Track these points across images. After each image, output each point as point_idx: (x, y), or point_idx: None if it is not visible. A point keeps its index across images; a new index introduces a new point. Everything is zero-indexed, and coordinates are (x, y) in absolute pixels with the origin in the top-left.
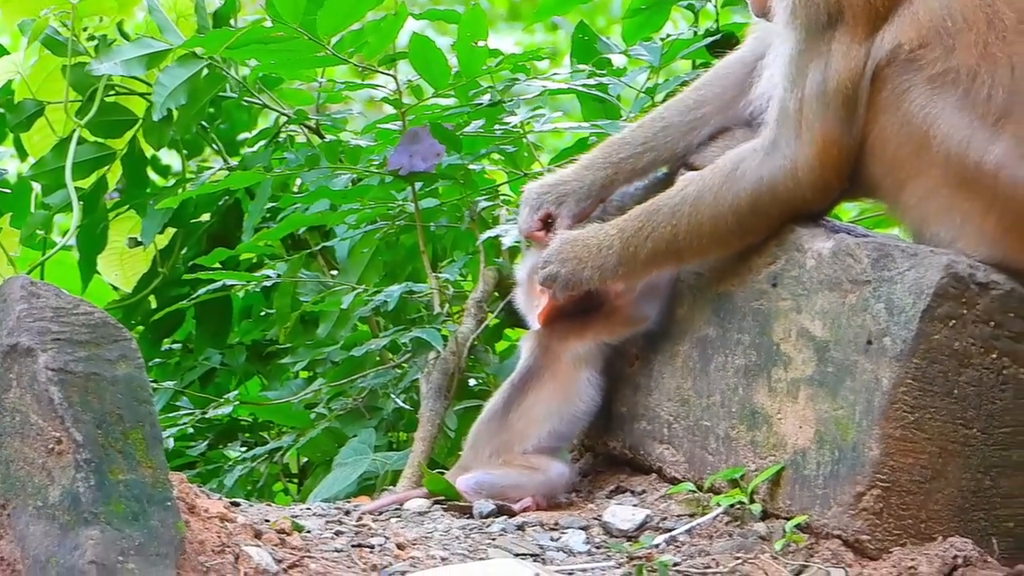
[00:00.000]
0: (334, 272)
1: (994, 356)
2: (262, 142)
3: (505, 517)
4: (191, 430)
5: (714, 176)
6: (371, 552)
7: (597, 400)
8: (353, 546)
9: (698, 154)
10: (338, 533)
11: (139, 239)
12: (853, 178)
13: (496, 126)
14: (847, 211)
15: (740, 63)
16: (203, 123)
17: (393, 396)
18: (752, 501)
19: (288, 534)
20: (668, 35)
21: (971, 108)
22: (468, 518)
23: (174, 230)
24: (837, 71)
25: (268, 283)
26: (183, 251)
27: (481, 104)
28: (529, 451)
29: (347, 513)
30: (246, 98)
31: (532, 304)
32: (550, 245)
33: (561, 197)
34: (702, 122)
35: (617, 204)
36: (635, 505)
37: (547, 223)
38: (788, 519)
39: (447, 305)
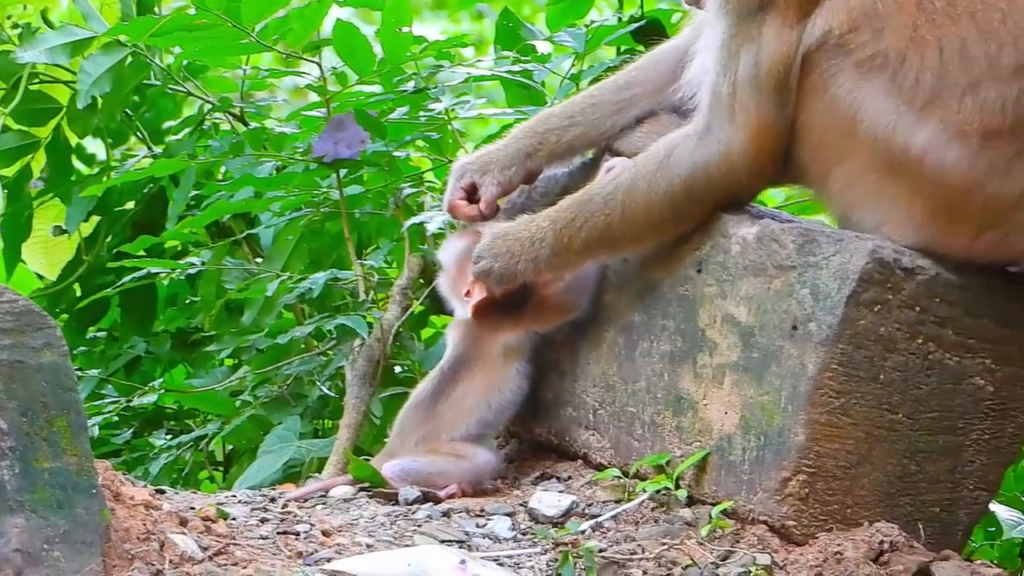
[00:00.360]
0: (259, 259)
1: (919, 341)
2: (186, 130)
3: (431, 504)
4: (116, 418)
5: (647, 163)
6: (296, 539)
7: (525, 390)
8: (279, 533)
9: (623, 138)
10: (263, 520)
11: (64, 227)
12: (782, 163)
13: (421, 113)
14: (773, 198)
15: (674, 51)
16: (128, 111)
17: (318, 383)
18: (678, 487)
19: (213, 521)
20: (593, 22)
21: (898, 92)
22: (394, 505)
23: (99, 218)
24: (769, 55)
25: (193, 271)
26: (108, 239)
27: (406, 91)
28: (456, 439)
29: (272, 500)
30: (170, 86)
31: (459, 292)
32: (481, 240)
33: (485, 167)
34: (631, 103)
35: (542, 190)
36: (561, 491)
37: (471, 194)
38: (714, 505)
39: (372, 292)
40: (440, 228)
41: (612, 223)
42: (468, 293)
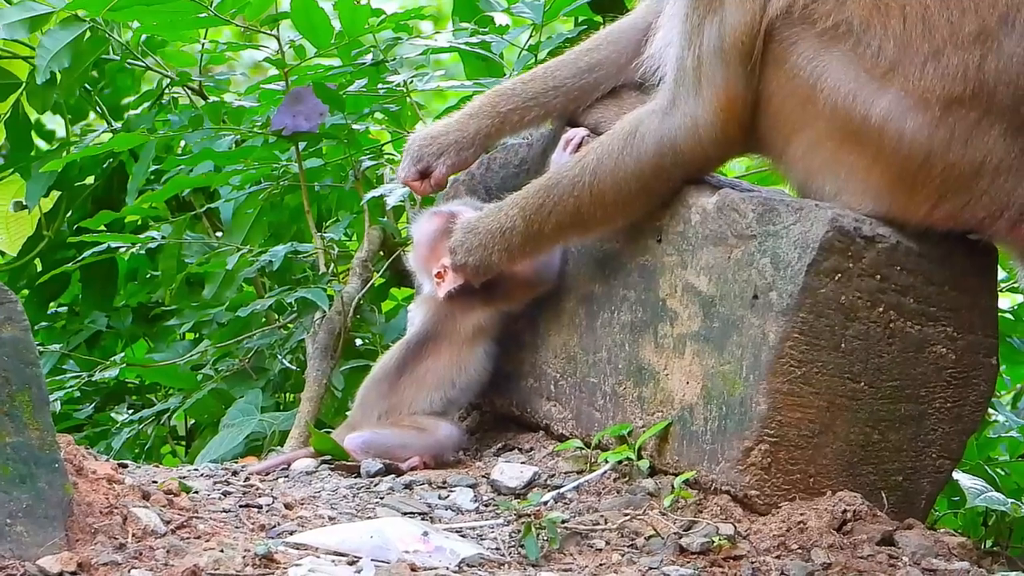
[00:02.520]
0: (219, 233)
1: (880, 310)
2: (146, 104)
3: (393, 476)
4: (78, 393)
5: (612, 143)
6: (259, 512)
7: (490, 369)
8: (241, 506)
9: (583, 115)
10: (226, 494)
11: (24, 203)
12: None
13: (379, 85)
14: (731, 170)
15: (633, 28)
16: (86, 86)
17: (279, 357)
18: (640, 457)
19: (176, 495)
20: None
21: (859, 61)
22: (356, 477)
23: (59, 193)
24: (732, 26)
25: (153, 245)
26: (68, 214)
27: (364, 64)
28: (417, 413)
29: (235, 474)
30: (129, 61)
31: (429, 270)
32: (453, 235)
33: (442, 148)
34: (594, 85)
35: (501, 161)
36: (523, 463)
37: (425, 174)
38: (676, 475)
39: (332, 265)
40: (400, 201)
41: (581, 206)
42: (440, 275)
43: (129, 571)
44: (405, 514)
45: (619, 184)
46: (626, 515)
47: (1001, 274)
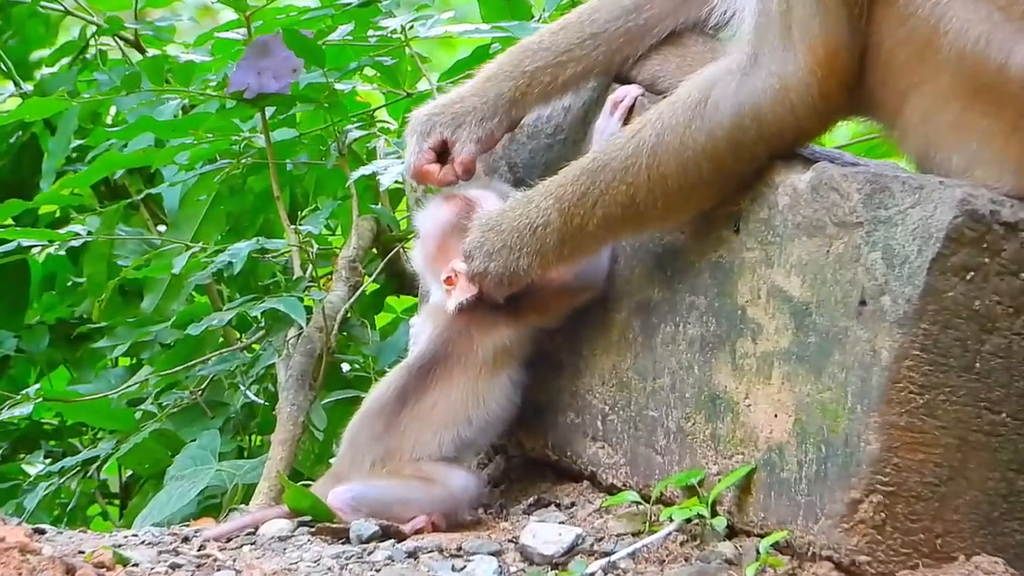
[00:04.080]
0: (162, 228)
1: None
2: (65, 60)
3: (392, 541)
4: None
5: (675, 113)
6: None
7: (517, 402)
8: None
9: (635, 68)
10: (174, 567)
11: None
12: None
13: (370, 33)
14: (831, 139)
15: None
16: None
17: (242, 387)
18: (714, 514)
19: (109, 569)
20: None
21: None
22: (344, 543)
23: None
24: None
25: (76, 243)
26: None
27: (349, 5)
28: (423, 458)
29: (186, 540)
30: (42, 3)
31: (438, 273)
32: (470, 233)
33: (458, 118)
34: (644, 29)
35: (529, 131)
36: (562, 522)
37: (441, 154)
38: (762, 536)
39: (311, 267)
40: (397, 181)
41: (636, 194)
42: (449, 281)
43: None
44: None
45: (686, 166)
46: None
47: None
